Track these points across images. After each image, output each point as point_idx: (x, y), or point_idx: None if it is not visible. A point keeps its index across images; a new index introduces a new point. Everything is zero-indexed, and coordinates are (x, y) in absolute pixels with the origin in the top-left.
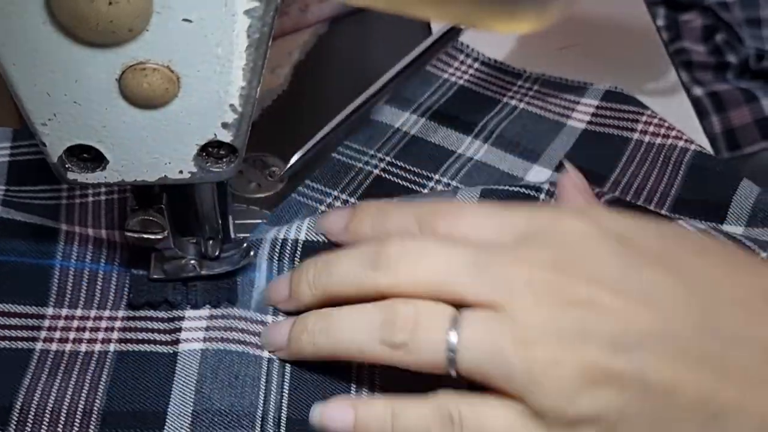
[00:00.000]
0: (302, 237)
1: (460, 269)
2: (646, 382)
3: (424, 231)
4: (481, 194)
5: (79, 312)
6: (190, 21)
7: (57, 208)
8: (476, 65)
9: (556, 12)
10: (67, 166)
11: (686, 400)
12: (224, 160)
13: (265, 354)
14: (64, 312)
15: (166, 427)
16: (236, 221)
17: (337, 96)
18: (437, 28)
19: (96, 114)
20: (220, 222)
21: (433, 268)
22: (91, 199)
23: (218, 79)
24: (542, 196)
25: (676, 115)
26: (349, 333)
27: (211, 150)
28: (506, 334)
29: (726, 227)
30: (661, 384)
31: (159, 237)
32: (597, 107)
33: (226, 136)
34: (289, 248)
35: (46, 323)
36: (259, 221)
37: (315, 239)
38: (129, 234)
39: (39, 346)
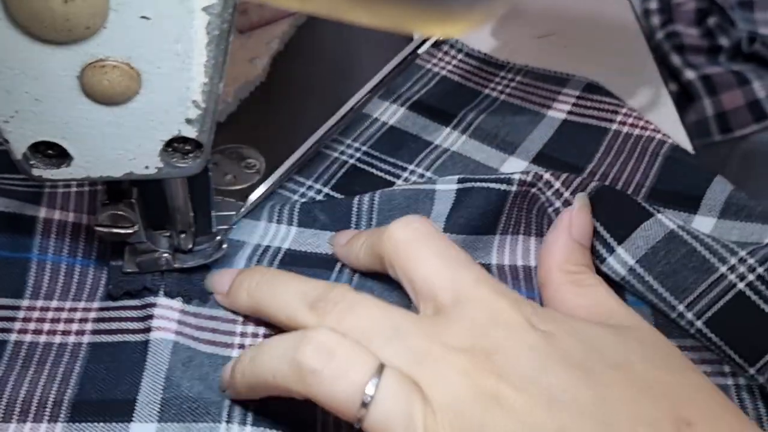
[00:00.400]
0: (285, 246)
1: (382, 331)
2: None
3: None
4: (459, 181)
5: (54, 303)
6: (148, 18)
7: (39, 195)
8: (460, 56)
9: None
10: (31, 162)
11: None
12: (190, 155)
13: (234, 353)
14: (39, 303)
15: (134, 414)
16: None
17: (315, 87)
18: None
19: (58, 111)
20: (192, 215)
21: (358, 324)
22: (74, 189)
23: (179, 75)
24: (514, 188)
25: (654, 103)
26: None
27: (176, 145)
28: (418, 406)
29: (698, 218)
30: None
31: (129, 232)
32: (578, 98)
33: (190, 132)
34: (270, 254)
35: (21, 314)
36: (235, 213)
37: (298, 250)
38: (99, 229)
39: (13, 337)
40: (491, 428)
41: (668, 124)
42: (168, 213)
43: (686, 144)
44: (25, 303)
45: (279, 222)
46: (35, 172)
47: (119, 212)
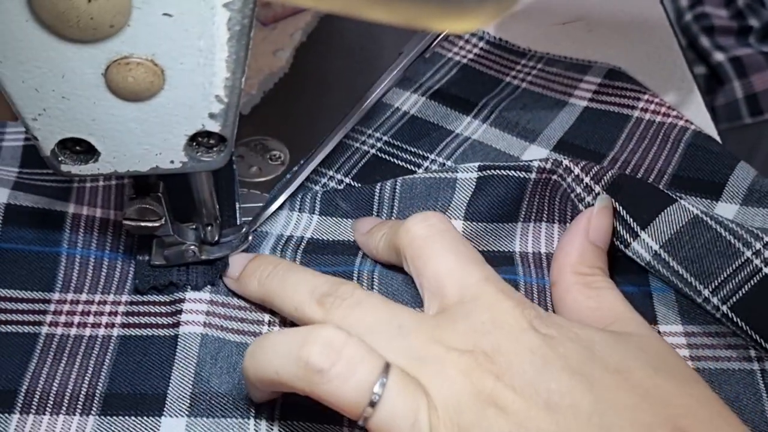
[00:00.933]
0: (308, 235)
1: (387, 329)
2: None
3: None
4: (479, 169)
5: (84, 296)
6: (170, 15)
7: (68, 191)
8: (481, 44)
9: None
10: (60, 158)
11: None
12: (214, 149)
13: None
14: (70, 296)
15: (165, 408)
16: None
17: (338, 77)
18: None
19: (84, 108)
20: (217, 207)
21: (363, 321)
22: (101, 183)
23: (202, 71)
24: (533, 175)
25: (678, 90)
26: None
27: (200, 140)
28: (423, 405)
29: (721, 205)
30: None
31: (156, 225)
32: (599, 85)
33: (214, 126)
34: (293, 243)
35: (52, 307)
36: (259, 204)
37: (321, 238)
38: (127, 222)
39: (44, 330)
40: (489, 426)
41: (693, 110)
42: (194, 206)
43: (711, 130)
44: (56, 296)
45: (301, 211)
46: (64, 168)
47: (146, 206)
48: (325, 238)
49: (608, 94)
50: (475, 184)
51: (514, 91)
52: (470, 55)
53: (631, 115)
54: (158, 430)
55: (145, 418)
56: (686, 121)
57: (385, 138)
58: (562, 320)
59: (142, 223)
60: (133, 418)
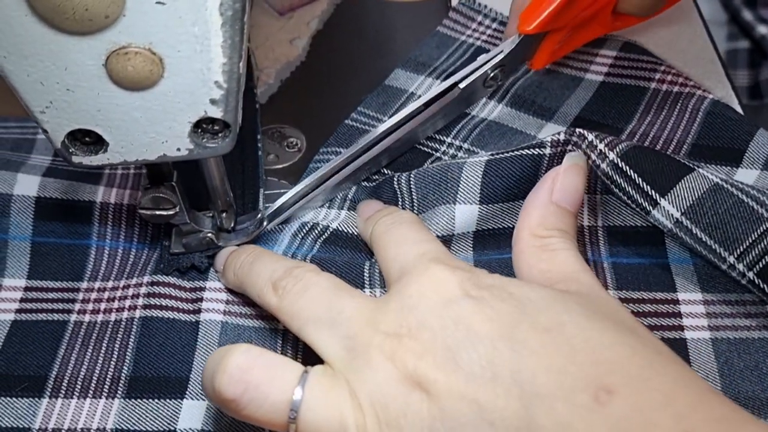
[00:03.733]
0: (333, 226)
1: (323, 317)
2: None
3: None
4: (486, 165)
5: (110, 284)
6: (163, 3)
7: (99, 176)
8: (494, 25)
9: None
10: (70, 150)
11: None
12: (219, 135)
13: (281, 326)
14: (97, 285)
15: (187, 392)
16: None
17: (355, 64)
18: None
19: (89, 99)
20: (230, 194)
21: (306, 308)
22: (132, 171)
23: (199, 57)
24: (547, 151)
25: (701, 67)
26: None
27: (205, 126)
28: (347, 405)
29: (741, 171)
30: None
31: (171, 213)
32: (615, 58)
33: (216, 112)
34: (316, 232)
35: (80, 296)
36: (280, 191)
37: (345, 230)
38: (142, 211)
39: (73, 317)
40: (413, 412)
41: (720, 88)
42: (208, 193)
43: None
44: (84, 285)
45: (330, 207)
46: (75, 159)
47: (161, 194)
48: (349, 231)
49: (624, 67)
50: (483, 166)
51: (529, 70)
52: (483, 37)
53: (648, 87)
54: (179, 411)
55: (167, 400)
56: (704, 90)
57: None
58: (500, 280)
59: (157, 212)
60: (156, 400)
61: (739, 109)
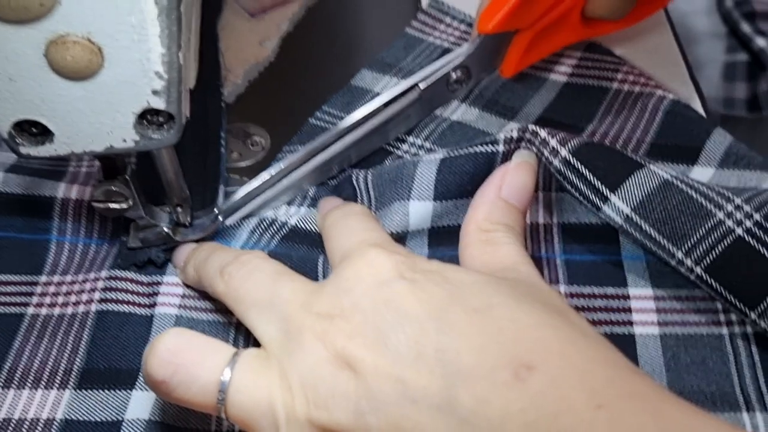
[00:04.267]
0: (291, 222)
1: (262, 301)
2: None
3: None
4: (441, 162)
5: (69, 278)
6: None
7: (62, 174)
8: (462, 27)
9: None
10: (17, 140)
11: None
12: (164, 126)
13: (234, 319)
14: (56, 279)
15: (137, 383)
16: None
17: (323, 67)
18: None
19: (32, 89)
20: (185, 188)
21: (250, 292)
22: (96, 169)
23: (138, 47)
24: (500, 148)
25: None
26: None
27: (150, 118)
28: (276, 386)
29: (697, 169)
30: None
31: (123, 206)
32: (579, 59)
33: (158, 103)
34: (274, 227)
35: (38, 290)
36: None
37: (303, 227)
38: (95, 204)
39: (30, 310)
40: (341, 392)
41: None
42: (162, 187)
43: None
44: (43, 279)
45: (290, 204)
46: (23, 150)
47: (113, 188)
48: (307, 228)
49: (587, 68)
50: (438, 163)
51: (494, 70)
52: (451, 39)
53: (610, 87)
54: (128, 402)
55: (117, 391)
56: (664, 90)
57: None
58: (437, 265)
59: (110, 205)
60: (106, 391)
61: (701, 110)
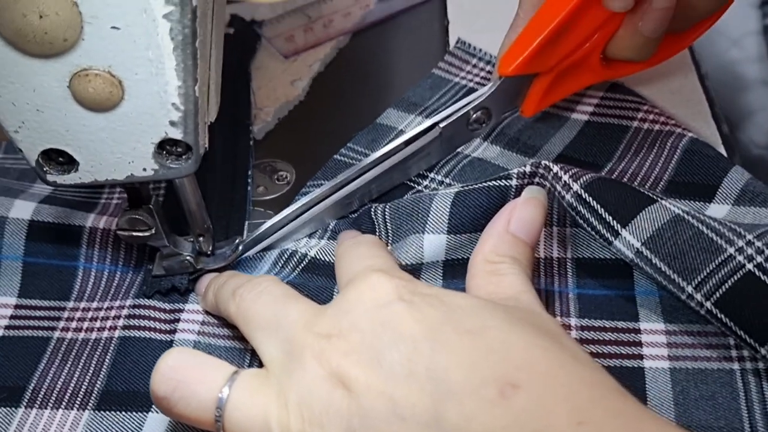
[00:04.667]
0: (311, 254)
1: (268, 323)
2: None
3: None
4: (455, 196)
5: (95, 304)
6: (118, 28)
7: (94, 206)
8: (488, 68)
9: None
10: (44, 169)
11: None
12: (183, 157)
13: (249, 346)
14: (82, 305)
15: (153, 406)
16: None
17: (351, 107)
18: (453, 40)
19: (57, 120)
20: (207, 218)
21: (257, 314)
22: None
23: (155, 80)
24: (513, 182)
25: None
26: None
27: (168, 148)
28: (273, 405)
29: (713, 206)
30: None
31: (147, 234)
32: (601, 98)
33: (176, 134)
34: (295, 259)
35: (65, 314)
36: (263, 221)
37: (322, 258)
38: (120, 232)
39: (56, 334)
40: (335, 410)
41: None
42: (185, 217)
43: (716, 141)
44: (70, 305)
45: (311, 237)
46: (50, 178)
47: (137, 216)
48: (326, 260)
49: (609, 107)
50: (453, 196)
51: (515, 110)
52: (477, 79)
53: (630, 125)
54: (144, 424)
55: (134, 413)
56: (683, 129)
57: None
58: (436, 290)
59: (134, 233)
60: (123, 413)
61: (722, 150)
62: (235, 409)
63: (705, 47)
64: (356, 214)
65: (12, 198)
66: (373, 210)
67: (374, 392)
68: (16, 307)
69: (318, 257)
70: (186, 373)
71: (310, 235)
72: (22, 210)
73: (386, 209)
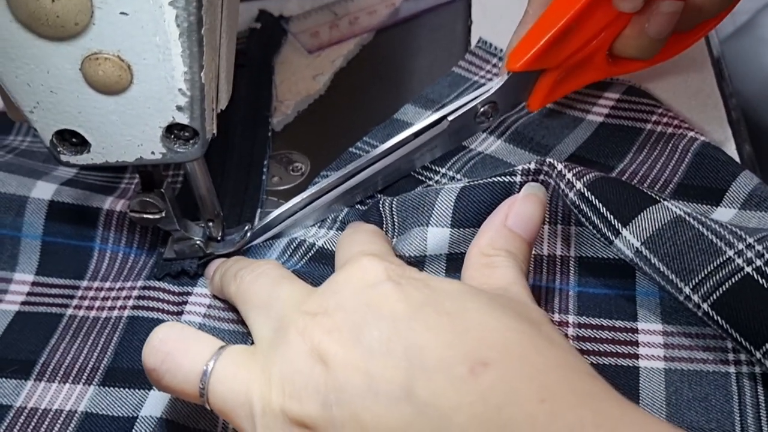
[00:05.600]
0: (319, 243)
1: (261, 302)
2: None
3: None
4: (460, 191)
5: (107, 284)
6: (126, 14)
7: (113, 189)
8: None
9: None
10: (58, 149)
11: None
12: (190, 141)
13: None
14: (95, 284)
15: None
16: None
17: (370, 103)
18: (475, 40)
19: (70, 101)
20: (217, 204)
21: (253, 294)
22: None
23: (163, 66)
24: (517, 179)
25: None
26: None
27: (177, 132)
28: (255, 378)
29: (720, 210)
30: None
31: (157, 217)
32: (617, 100)
33: (183, 118)
34: (303, 248)
35: (79, 293)
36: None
37: (329, 248)
38: (131, 214)
39: (69, 312)
40: (313, 384)
41: (719, 134)
42: (195, 202)
43: (731, 147)
44: (84, 284)
45: (320, 227)
46: (63, 158)
47: (148, 199)
48: (333, 249)
49: (624, 109)
50: (458, 191)
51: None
52: (496, 78)
53: (643, 128)
54: (145, 400)
55: (136, 390)
56: (696, 132)
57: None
58: (425, 276)
59: (145, 215)
60: (126, 389)
61: (735, 155)
62: (218, 381)
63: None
64: (365, 207)
65: (35, 179)
66: (381, 203)
67: (351, 368)
68: (33, 284)
69: (325, 247)
70: (174, 345)
71: (319, 225)
72: (44, 190)
73: (394, 202)
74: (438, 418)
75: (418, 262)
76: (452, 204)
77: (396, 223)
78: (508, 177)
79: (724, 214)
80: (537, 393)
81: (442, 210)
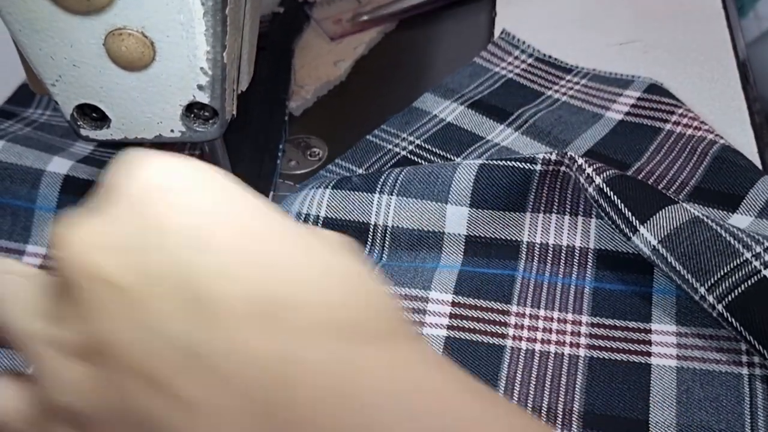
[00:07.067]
0: (323, 214)
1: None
2: None
3: None
4: (479, 169)
5: None
6: None
7: None
8: (530, 60)
9: None
10: (78, 123)
11: None
12: (209, 121)
13: None
14: None
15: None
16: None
17: (390, 91)
18: (498, 32)
19: (92, 76)
20: None
21: None
22: None
23: (186, 44)
24: (538, 167)
25: (727, 110)
26: None
27: (196, 111)
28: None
29: (736, 216)
30: None
31: None
32: (638, 99)
33: (203, 98)
34: (311, 221)
35: None
36: (288, 194)
37: (334, 216)
38: None
39: None
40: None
41: (741, 137)
42: None
43: (752, 151)
44: None
45: (316, 188)
46: (83, 132)
47: None
48: (338, 217)
49: (644, 108)
50: (476, 169)
51: (554, 104)
52: (517, 70)
53: (662, 128)
54: None
55: None
56: (716, 135)
57: (417, 141)
58: None
59: None
60: None
61: (756, 159)
62: None
63: None
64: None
65: (51, 155)
66: (387, 172)
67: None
68: (45, 257)
69: (329, 216)
70: None
71: (315, 187)
72: (60, 165)
73: (403, 171)
74: None
75: (437, 237)
76: (471, 184)
77: (397, 187)
78: (528, 164)
79: (739, 221)
80: None
81: (460, 188)
